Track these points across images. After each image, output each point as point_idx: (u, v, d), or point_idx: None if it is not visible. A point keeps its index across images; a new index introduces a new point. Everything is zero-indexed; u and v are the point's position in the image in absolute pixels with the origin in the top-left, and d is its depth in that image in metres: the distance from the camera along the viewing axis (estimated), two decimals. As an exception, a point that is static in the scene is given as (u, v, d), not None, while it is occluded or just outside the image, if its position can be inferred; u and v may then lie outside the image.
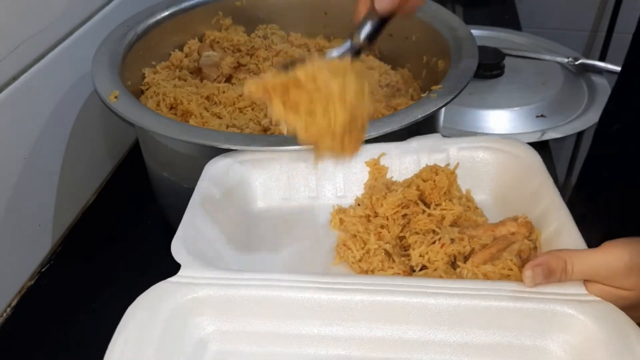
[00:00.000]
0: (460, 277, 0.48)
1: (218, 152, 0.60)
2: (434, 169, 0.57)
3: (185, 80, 0.81)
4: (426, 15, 0.79)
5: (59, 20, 0.73)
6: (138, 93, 0.78)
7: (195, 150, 0.63)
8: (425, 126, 0.67)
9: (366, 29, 0.55)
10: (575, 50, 1.10)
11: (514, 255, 0.48)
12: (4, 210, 0.66)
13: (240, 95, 0.77)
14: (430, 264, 0.50)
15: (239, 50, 0.87)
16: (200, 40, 0.88)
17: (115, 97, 0.65)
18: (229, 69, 0.82)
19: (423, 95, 0.63)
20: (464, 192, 0.59)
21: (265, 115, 0.75)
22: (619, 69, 0.82)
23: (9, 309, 0.68)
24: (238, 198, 0.58)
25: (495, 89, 0.98)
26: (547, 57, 1.06)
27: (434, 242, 0.50)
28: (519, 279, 0.46)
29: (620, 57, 0.80)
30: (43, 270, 0.73)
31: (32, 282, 0.71)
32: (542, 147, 0.84)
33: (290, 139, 0.61)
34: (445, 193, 0.56)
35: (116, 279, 0.71)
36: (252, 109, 0.76)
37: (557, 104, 0.95)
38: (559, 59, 1.05)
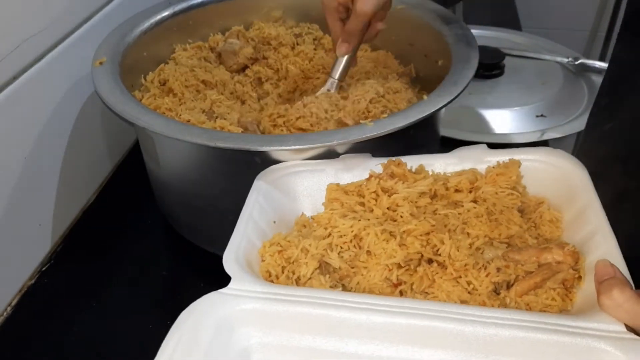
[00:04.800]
0: (503, 303, 0.48)
1: (218, 152, 0.60)
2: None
3: (209, 62, 0.83)
4: (426, 15, 0.79)
5: (59, 20, 0.73)
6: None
7: (195, 151, 0.63)
8: (425, 127, 0.67)
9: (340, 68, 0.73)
10: (575, 50, 1.10)
11: (557, 284, 0.48)
12: (4, 210, 0.66)
13: (238, 82, 0.78)
14: (475, 290, 0.49)
15: (268, 44, 0.87)
16: (247, 28, 0.89)
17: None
18: (246, 59, 0.84)
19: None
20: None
21: (262, 108, 0.75)
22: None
23: (9, 308, 0.68)
24: (286, 209, 0.58)
25: (495, 89, 0.98)
26: (547, 57, 1.06)
27: (479, 269, 0.49)
28: (562, 309, 0.46)
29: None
30: (43, 269, 0.73)
31: (33, 281, 0.71)
32: (541, 147, 0.83)
33: (292, 138, 0.61)
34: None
35: (116, 278, 0.72)
36: (243, 103, 0.76)
37: (557, 104, 0.96)
38: (559, 59, 1.05)
